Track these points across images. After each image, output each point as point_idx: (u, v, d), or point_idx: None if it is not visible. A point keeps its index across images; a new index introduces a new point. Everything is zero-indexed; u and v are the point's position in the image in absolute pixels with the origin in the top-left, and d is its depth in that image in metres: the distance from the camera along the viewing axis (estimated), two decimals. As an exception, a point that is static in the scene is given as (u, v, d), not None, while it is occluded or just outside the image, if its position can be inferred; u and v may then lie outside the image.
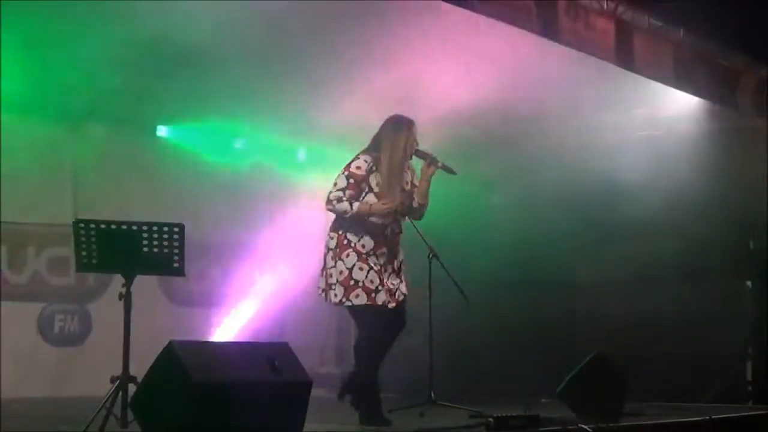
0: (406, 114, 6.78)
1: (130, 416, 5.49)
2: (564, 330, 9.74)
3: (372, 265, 6.49)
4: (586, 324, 9.62)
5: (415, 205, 6.84)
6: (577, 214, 10.01)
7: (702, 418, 7.43)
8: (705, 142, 9.70)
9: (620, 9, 8.82)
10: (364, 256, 6.48)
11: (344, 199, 6.47)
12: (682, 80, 9.34)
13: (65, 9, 7.30)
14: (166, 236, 5.70)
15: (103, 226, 5.70)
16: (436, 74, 8.55)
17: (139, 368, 5.51)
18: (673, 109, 9.85)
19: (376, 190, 6.54)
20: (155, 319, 8.94)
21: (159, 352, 5.32)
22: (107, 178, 9.68)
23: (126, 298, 5.71)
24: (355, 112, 8.32)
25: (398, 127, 6.65)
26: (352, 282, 6.44)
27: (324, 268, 6.63)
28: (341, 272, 6.47)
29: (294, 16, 7.69)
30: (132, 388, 5.55)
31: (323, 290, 6.63)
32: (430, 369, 7.97)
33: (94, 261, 5.75)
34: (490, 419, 6.59)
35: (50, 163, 9.47)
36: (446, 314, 8.35)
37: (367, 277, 6.45)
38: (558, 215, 10.22)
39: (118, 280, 5.84)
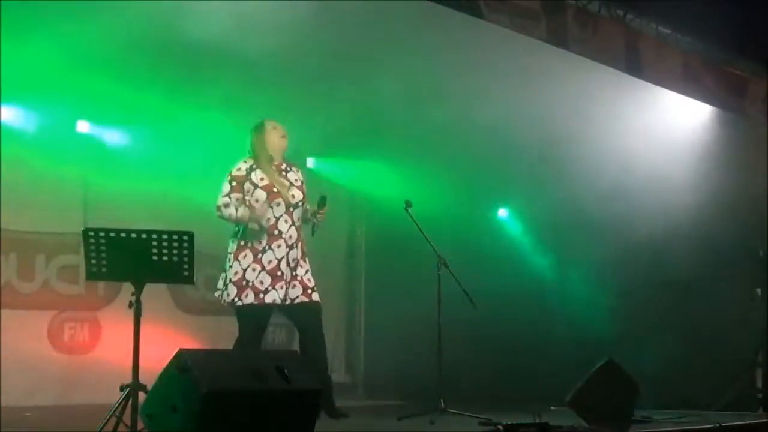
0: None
1: (140, 424, 5.50)
2: (574, 337, 9.72)
3: (265, 264, 6.78)
4: (596, 331, 9.60)
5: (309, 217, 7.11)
6: (584, 222, 10.00)
7: (711, 425, 7.41)
8: (714, 149, 9.69)
9: (629, 16, 8.84)
10: (259, 255, 6.77)
11: (231, 203, 6.87)
12: (690, 87, 9.35)
13: (74, 11, 7.33)
14: (175, 244, 5.70)
15: (112, 234, 5.70)
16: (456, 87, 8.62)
17: (149, 376, 5.51)
18: (681, 116, 9.85)
19: (261, 184, 6.88)
20: (165, 327, 8.95)
21: (168, 360, 5.33)
22: (117, 187, 9.68)
23: (136, 307, 5.72)
24: (373, 123, 8.35)
25: (260, 129, 7.07)
26: (244, 282, 6.77)
27: (225, 270, 6.94)
28: (236, 273, 6.81)
29: (319, 22, 7.74)
30: (142, 396, 5.55)
31: (221, 290, 6.93)
32: (440, 377, 7.96)
33: (103, 269, 5.74)
34: (500, 427, 6.58)
35: (60, 172, 9.48)
36: (456, 322, 8.35)
37: (257, 277, 6.77)
38: (565, 223, 10.22)
39: (127, 288, 5.84)
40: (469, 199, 10.74)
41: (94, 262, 5.73)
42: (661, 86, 9.26)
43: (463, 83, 8.82)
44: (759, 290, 9.63)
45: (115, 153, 9.86)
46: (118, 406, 5.60)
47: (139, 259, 5.69)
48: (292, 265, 6.90)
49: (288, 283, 6.85)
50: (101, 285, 9.56)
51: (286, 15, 7.61)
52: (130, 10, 7.44)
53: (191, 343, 9.26)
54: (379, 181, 10.55)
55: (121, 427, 5.59)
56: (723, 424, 7.39)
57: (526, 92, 8.87)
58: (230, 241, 6.98)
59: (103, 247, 5.69)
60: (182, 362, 5.24)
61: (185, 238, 5.71)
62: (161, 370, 5.38)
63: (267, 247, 6.82)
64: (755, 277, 9.64)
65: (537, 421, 6.69)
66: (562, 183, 10.20)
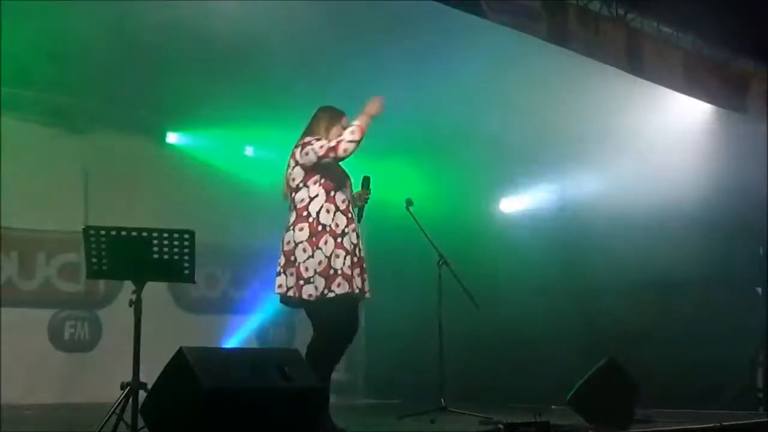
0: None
1: (141, 422, 5.50)
2: (574, 336, 9.72)
3: (347, 248, 6.30)
4: (597, 330, 9.60)
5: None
6: (588, 221, 10.00)
7: (712, 425, 7.40)
8: (714, 148, 9.68)
9: (630, 16, 8.83)
10: (339, 239, 6.28)
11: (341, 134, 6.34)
12: (691, 86, 9.34)
13: (77, 7, 7.32)
14: (176, 243, 5.69)
15: (113, 232, 5.69)
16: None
17: (150, 374, 5.51)
18: (682, 114, 9.84)
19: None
20: (165, 326, 8.95)
21: (169, 358, 5.33)
22: (118, 185, 9.69)
23: (136, 305, 5.72)
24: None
25: (337, 118, 6.59)
26: (332, 271, 6.23)
27: (291, 264, 6.27)
28: (320, 262, 6.22)
29: (317, 19, 7.72)
30: (142, 395, 5.55)
31: (291, 287, 6.26)
32: (441, 375, 7.96)
33: (104, 268, 5.74)
34: (501, 425, 6.58)
35: (61, 170, 9.49)
36: (457, 320, 8.35)
37: (345, 263, 6.26)
38: (569, 221, 10.22)
39: (128, 286, 5.84)
40: (471, 198, 10.74)
41: (94, 260, 5.72)
42: (663, 85, 9.25)
43: (466, 82, 8.82)
44: (759, 289, 9.63)
45: (117, 151, 9.86)
46: (119, 404, 5.60)
47: (139, 257, 5.69)
48: (360, 256, 6.45)
49: (364, 272, 6.40)
50: (102, 283, 9.57)
51: (292, 16, 7.61)
52: (137, 7, 7.43)
53: (191, 342, 9.25)
54: (379, 179, 10.55)
55: (122, 426, 5.59)
56: (723, 424, 7.39)
57: (528, 91, 8.87)
58: (294, 230, 6.29)
59: (103, 246, 5.69)
60: (183, 360, 5.23)
61: (186, 236, 5.70)
62: (162, 369, 5.38)
63: (345, 230, 6.33)
64: (756, 275, 9.64)
65: (537, 420, 6.68)
66: (563, 182, 10.19)
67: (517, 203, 11.07)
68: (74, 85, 8.83)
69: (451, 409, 7.82)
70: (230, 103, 9.24)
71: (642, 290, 9.73)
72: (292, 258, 6.27)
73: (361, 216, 6.71)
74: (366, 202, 6.70)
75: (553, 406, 8.16)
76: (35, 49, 8.04)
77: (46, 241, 9.52)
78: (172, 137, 10.38)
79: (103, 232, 5.70)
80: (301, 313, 10.56)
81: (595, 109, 9.38)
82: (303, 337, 10.01)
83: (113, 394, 5.70)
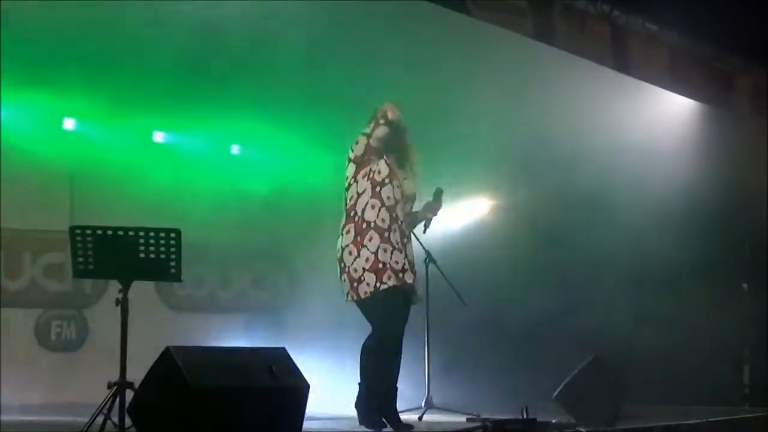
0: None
1: (128, 421, 5.49)
2: (561, 333, 9.73)
3: (394, 243, 6.35)
4: (583, 327, 9.62)
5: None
6: (574, 217, 10.02)
7: (698, 420, 7.43)
8: (700, 144, 9.71)
9: (615, 13, 8.86)
10: (386, 234, 6.34)
11: None
12: (676, 82, 9.37)
13: (66, 7, 7.31)
14: (162, 242, 5.68)
15: (99, 232, 5.68)
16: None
17: (137, 374, 5.51)
18: (668, 111, 9.87)
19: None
20: (152, 325, 8.93)
21: (156, 357, 5.32)
22: (104, 184, 9.65)
23: (123, 304, 5.71)
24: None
25: (377, 111, 6.69)
26: (380, 265, 6.30)
27: (342, 270, 6.45)
28: (367, 259, 6.33)
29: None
30: (129, 394, 5.55)
31: (348, 292, 6.42)
32: (428, 373, 7.96)
33: (90, 267, 5.73)
34: (488, 423, 6.59)
35: (47, 169, 9.45)
36: (443, 317, 8.36)
37: (392, 257, 6.32)
38: (556, 218, 10.24)
39: (114, 285, 5.82)
40: (458, 196, 10.74)
41: (80, 259, 5.72)
42: (648, 82, 9.29)
43: (456, 79, 8.83)
44: (745, 285, 9.66)
45: (103, 150, 9.83)
46: (106, 403, 5.60)
47: (126, 256, 5.68)
48: (406, 244, 6.50)
49: (415, 274, 6.46)
50: (88, 283, 9.53)
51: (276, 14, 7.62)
52: (125, 5, 7.41)
53: (178, 341, 9.23)
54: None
55: (109, 425, 5.59)
56: (710, 420, 7.42)
57: (514, 88, 8.88)
58: (343, 234, 6.46)
59: (89, 245, 5.68)
60: (169, 359, 5.23)
61: (172, 235, 5.69)
62: (149, 368, 5.37)
63: (392, 226, 6.35)
64: (742, 272, 9.67)
65: (525, 417, 6.69)
66: (547, 178, 10.20)
67: (504, 201, 11.08)
68: (60, 81, 8.79)
69: (438, 407, 7.82)
70: (218, 102, 9.22)
71: (628, 286, 9.75)
72: (342, 264, 6.45)
73: (428, 226, 6.81)
74: (435, 214, 6.78)
75: (540, 403, 8.17)
76: (23, 45, 8.02)
77: (32, 241, 9.49)
78: (158, 135, 10.33)
79: (89, 231, 5.69)
80: (292, 312, 10.62)
81: (581, 106, 9.39)
82: (292, 335, 10.08)
83: (100, 394, 5.68)
